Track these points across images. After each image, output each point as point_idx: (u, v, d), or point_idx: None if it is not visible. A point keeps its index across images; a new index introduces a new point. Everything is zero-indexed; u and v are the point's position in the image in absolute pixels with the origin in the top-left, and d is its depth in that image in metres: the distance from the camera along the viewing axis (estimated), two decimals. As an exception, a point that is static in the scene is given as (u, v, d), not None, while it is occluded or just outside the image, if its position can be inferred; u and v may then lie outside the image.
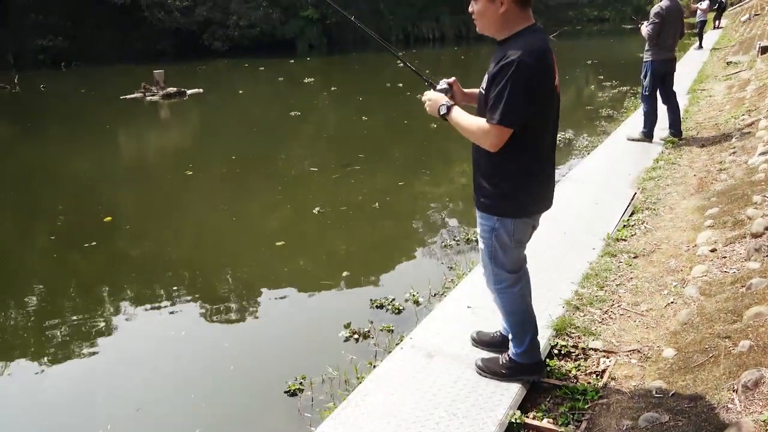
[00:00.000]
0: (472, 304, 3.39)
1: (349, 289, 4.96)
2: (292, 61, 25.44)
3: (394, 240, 6.23)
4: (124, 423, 3.32)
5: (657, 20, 6.45)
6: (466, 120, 2.29)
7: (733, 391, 2.20)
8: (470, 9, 2.27)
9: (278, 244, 5.82)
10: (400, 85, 16.53)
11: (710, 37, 20.03)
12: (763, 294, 2.80)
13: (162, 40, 28.79)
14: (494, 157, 2.27)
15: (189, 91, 15.74)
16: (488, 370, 2.70)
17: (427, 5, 34.86)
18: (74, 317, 4.69)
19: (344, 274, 5.12)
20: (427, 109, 2.42)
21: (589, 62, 20.65)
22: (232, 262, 5.67)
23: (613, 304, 3.28)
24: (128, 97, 15.79)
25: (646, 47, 6.72)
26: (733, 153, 5.66)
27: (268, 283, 5.18)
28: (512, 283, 2.54)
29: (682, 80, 7.06)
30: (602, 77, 16.24)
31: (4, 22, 26.09)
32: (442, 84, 2.48)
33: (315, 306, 4.78)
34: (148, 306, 4.86)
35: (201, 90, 16.26)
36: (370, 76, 21.41)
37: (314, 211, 6.62)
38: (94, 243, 5.98)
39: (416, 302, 4.36)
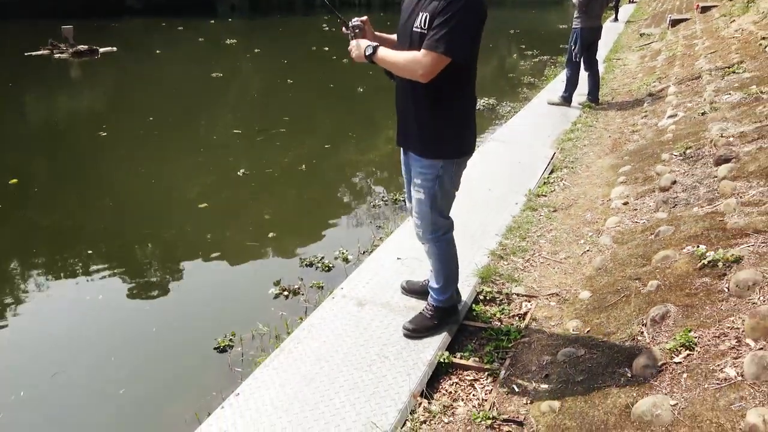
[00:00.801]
0: (402, 256, 3.45)
1: (278, 250, 4.92)
2: (213, 21, 24.47)
3: (322, 202, 6.21)
4: (39, 389, 3.18)
5: None
6: (395, 55, 2.29)
7: (643, 325, 2.37)
8: None
9: (201, 206, 5.66)
10: (326, 48, 16.27)
11: (625, 10, 20.87)
12: (670, 240, 3.00)
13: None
14: (437, 100, 2.30)
15: (101, 50, 14.84)
16: (419, 327, 2.70)
17: (353, -31, 34.29)
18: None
19: (270, 235, 5.05)
20: (353, 55, 2.39)
21: (512, 32, 21.05)
22: (152, 225, 5.46)
23: (534, 254, 3.43)
24: (34, 54, 14.71)
25: (575, 15, 6.92)
26: (645, 116, 5.98)
27: (191, 246, 5.02)
28: (447, 228, 2.62)
29: (599, 50, 7.41)
30: (524, 47, 16.61)
31: None
32: (355, 21, 2.45)
33: (242, 267, 4.71)
34: (62, 272, 4.64)
35: (114, 48, 15.38)
36: (294, 40, 20.93)
37: (239, 173, 6.48)
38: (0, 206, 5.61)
39: (345, 260, 4.39)
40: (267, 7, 30.95)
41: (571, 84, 7.16)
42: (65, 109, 10.78)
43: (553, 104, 7.28)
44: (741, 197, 3.18)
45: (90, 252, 4.85)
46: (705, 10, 12.79)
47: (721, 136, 4.19)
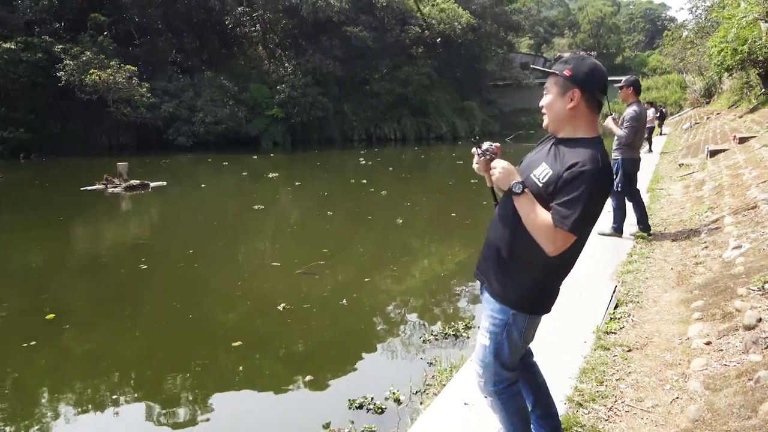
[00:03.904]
0: (469, 401, 3.13)
1: (324, 391, 4.62)
2: (256, 156, 25.64)
3: (366, 337, 5.94)
4: None
5: (634, 124, 6.68)
6: (536, 212, 2.11)
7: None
8: (540, 103, 2.27)
9: (235, 344, 5.41)
10: (364, 181, 16.72)
11: (658, 141, 21.19)
12: (775, 388, 2.65)
13: (126, 134, 28.84)
14: (542, 253, 2.13)
15: (152, 184, 15.50)
16: None
17: (389, 107, 36.20)
18: (8, 424, 4.17)
19: (308, 378, 4.72)
20: (496, 175, 2.21)
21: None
22: (183, 363, 5.21)
23: (616, 400, 3.08)
24: (89, 188, 15.41)
25: (616, 146, 6.92)
26: (706, 247, 5.72)
27: (225, 386, 4.75)
28: (512, 381, 2.40)
29: (640, 180, 7.37)
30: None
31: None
32: (488, 144, 2.31)
33: (287, 409, 4.40)
34: (91, 411, 4.40)
35: (164, 183, 16.06)
36: (333, 173, 21.68)
37: (279, 308, 6.28)
38: (34, 342, 5.47)
39: (397, 400, 4.08)
40: (306, 141, 32.50)
41: (620, 213, 7.03)
42: (110, 242, 10.98)
43: (603, 235, 7.10)
44: None
45: (120, 391, 4.64)
46: (743, 140, 12.83)
47: (803, 269, 3.90)
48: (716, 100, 34.45)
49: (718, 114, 26.10)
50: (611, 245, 6.66)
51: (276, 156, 27.26)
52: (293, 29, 35.74)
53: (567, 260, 2.26)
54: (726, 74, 23.91)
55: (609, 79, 2.28)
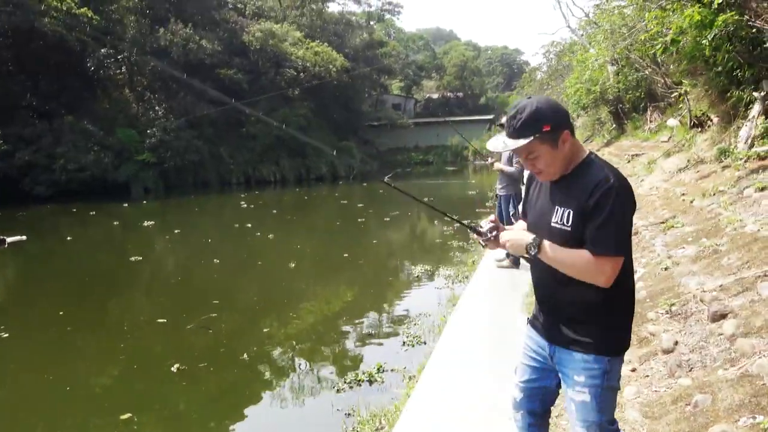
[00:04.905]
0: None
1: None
2: (126, 204, 23.96)
3: (275, 393, 5.54)
4: None
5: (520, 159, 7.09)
6: (566, 253, 2.05)
7: None
8: (530, 166, 2.16)
9: (123, 417, 4.80)
10: (249, 225, 16.13)
11: (528, 176, 22.57)
12: (714, 411, 2.69)
13: (-28, 187, 25.72)
14: (606, 289, 2.02)
15: (9, 239, 13.84)
16: None
17: (267, 149, 35.61)
18: None
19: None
20: (510, 249, 2.21)
21: (426, 199, 21.99)
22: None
23: (564, 439, 2.99)
24: (-73, 248, 13.47)
25: (505, 183, 7.33)
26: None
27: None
28: (617, 429, 2.21)
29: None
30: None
31: None
32: (487, 224, 2.28)
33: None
34: None
35: (24, 237, 14.41)
36: (214, 218, 20.79)
37: (172, 369, 5.70)
38: None
39: (321, 464, 3.75)
40: (181, 186, 30.97)
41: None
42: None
43: (503, 267, 7.26)
44: (765, 356, 2.97)
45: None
46: (607, 172, 13.92)
47: (703, 291, 4.12)
48: (572, 136, 37.58)
49: (576, 148, 28.37)
50: (508, 277, 6.80)
51: (149, 203, 25.68)
52: (163, 72, 34.36)
53: (630, 281, 2.17)
54: (582, 111, 26.17)
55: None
